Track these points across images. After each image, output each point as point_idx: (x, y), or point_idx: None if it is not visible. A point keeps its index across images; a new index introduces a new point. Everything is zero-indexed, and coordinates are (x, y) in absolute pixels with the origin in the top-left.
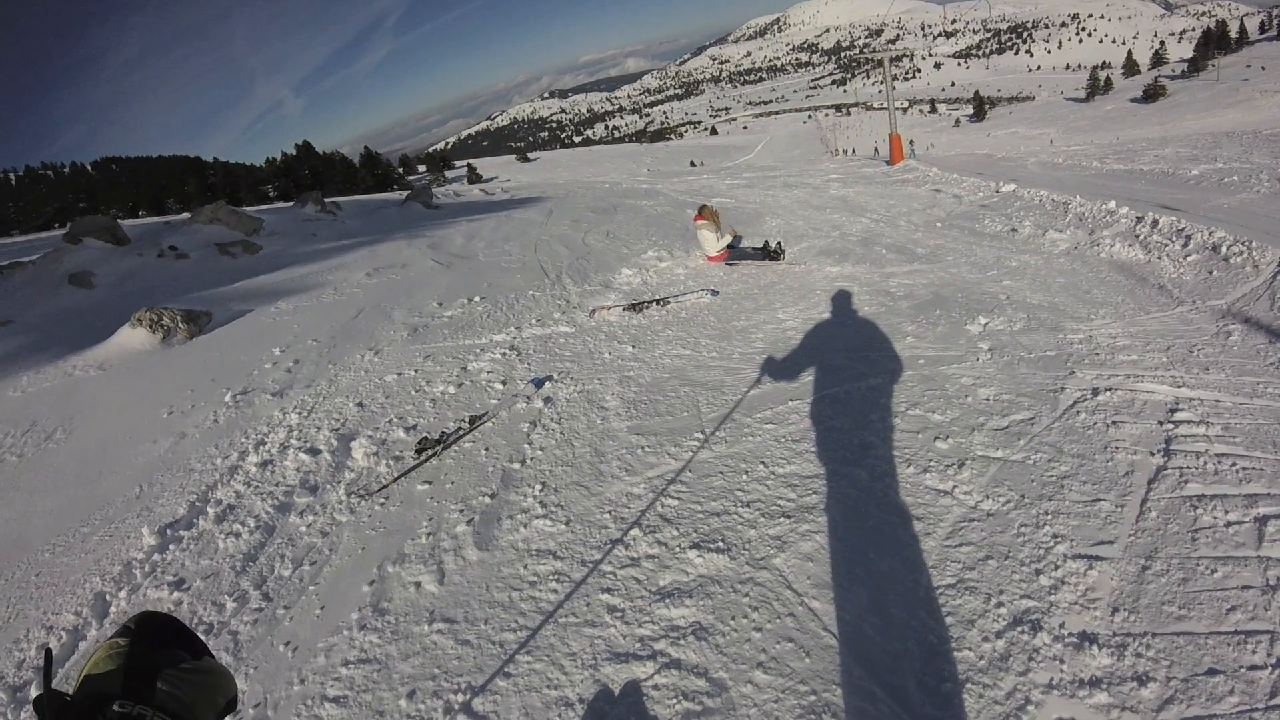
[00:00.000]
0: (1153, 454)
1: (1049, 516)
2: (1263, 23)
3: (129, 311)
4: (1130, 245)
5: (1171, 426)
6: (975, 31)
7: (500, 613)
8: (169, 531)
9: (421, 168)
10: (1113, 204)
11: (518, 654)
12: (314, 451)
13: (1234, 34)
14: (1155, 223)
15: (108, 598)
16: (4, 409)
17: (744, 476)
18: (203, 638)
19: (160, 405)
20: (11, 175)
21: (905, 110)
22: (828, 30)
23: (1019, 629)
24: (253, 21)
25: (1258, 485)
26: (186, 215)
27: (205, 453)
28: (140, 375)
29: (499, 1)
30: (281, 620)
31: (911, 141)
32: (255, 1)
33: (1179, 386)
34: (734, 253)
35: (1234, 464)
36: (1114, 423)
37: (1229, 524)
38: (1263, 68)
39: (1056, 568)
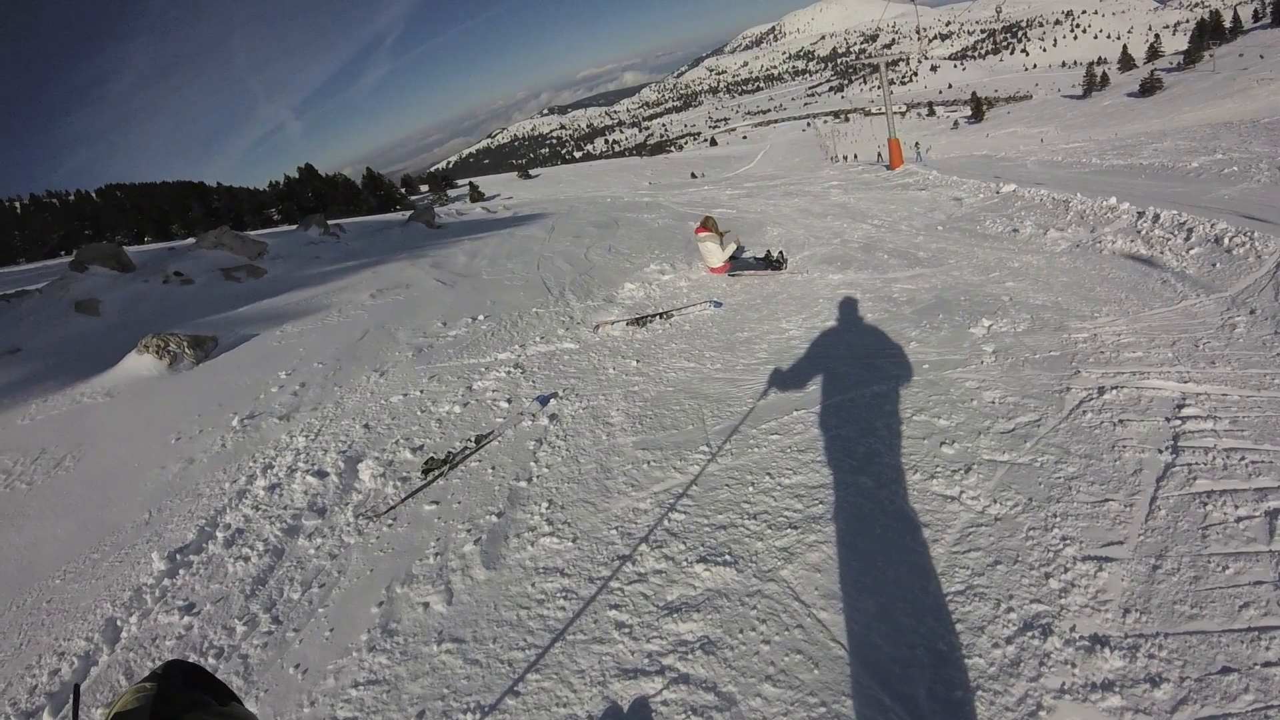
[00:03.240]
0: (1161, 451)
1: (1057, 519)
2: (1256, 11)
3: (135, 338)
4: (1132, 241)
5: (1179, 423)
6: (970, 33)
7: (508, 631)
8: (178, 556)
9: (424, 187)
10: (1113, 200)
11: (527, 673)
12: (321, 474)
13: (1228, 24)
14: (1157, 217)
15: (119, 623)
16: (13, 436)
17: (750, 488)
18: (231, 687)
19: (168, 431)
20: (17, 203)
21: (904, 114)
22: (823, 37)
23: (1029, 634)
24: (252, 45)
25: (1268, 479)
26: (191, 240)
27: (213, 477)
28: (148, 401)
29: (496, 20)
30: (291, 643)
31: (917, 144)
32: (254, 25)
33: (1185, 382)
34: (736, 263)
35: (1243, 458)
36: (1121, 421)
37: (1240, 519)
38: (1261, 56)
39: (1066, 570)
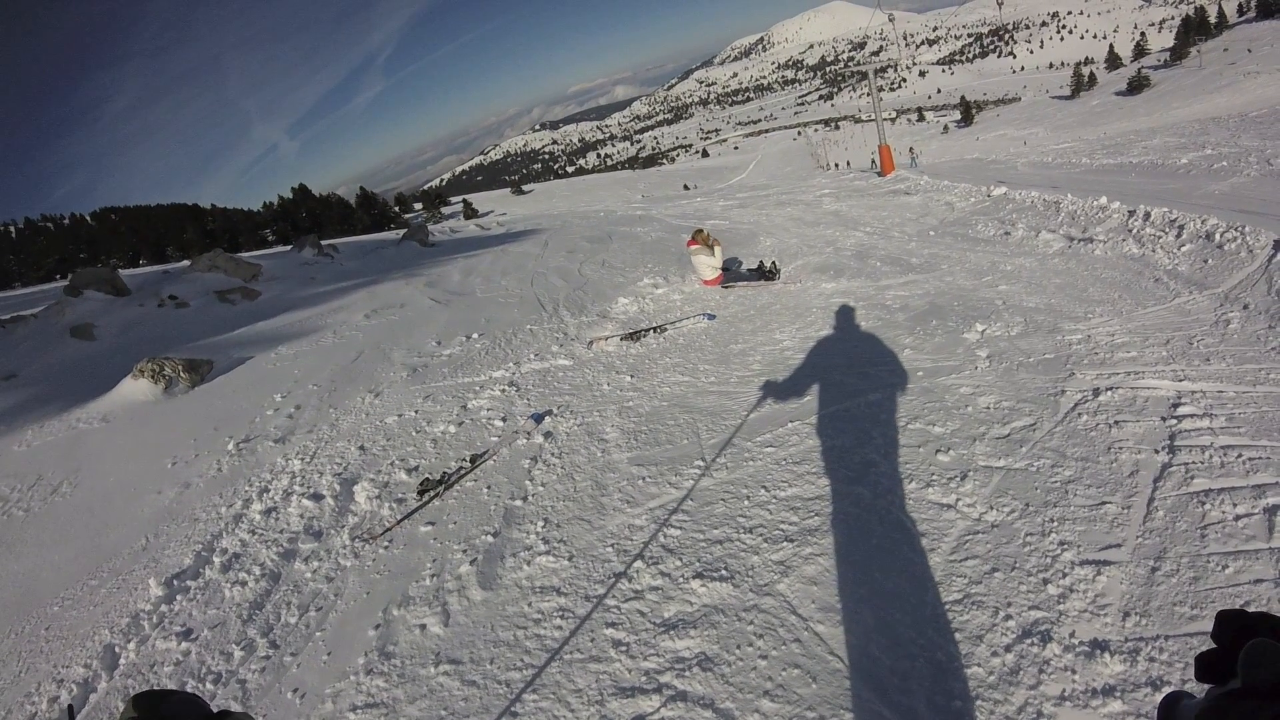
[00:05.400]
0: (1157, 451)
1: (1055, 524)
2: (1241, 5)
3: (131, 362)
4: (1124, 240)
5: (1175, 422)
6: (956, 37)
7: (505, 652)
8: (176, 582)
9: (417, 205)
10: (1104, 199)
11: (524, 693)
12: (317, 497)
13: (1213, 19)
14: (1148, 215)
15: (117, 650)
16: (10, 463)
17: (746, 502)
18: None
19: (164, 455)
20: (12, 228)
21: (893, 120)
22: (811, 46)
23: (1028, 641)
24: (246, 66)
25: (1265, 475)
26: (186, 263)
27: (210, 502)
28: (144, 426)
29: (487, 37)
30: (289, 667)
31: (912, 148)
32: (247, 47)
33: (1180, 380)
34: (730, 275)
35: (1240, 455)
36: (1116, 422)
37: (1238, 517)
38: (1248, 50)
39: (1064, 575)
